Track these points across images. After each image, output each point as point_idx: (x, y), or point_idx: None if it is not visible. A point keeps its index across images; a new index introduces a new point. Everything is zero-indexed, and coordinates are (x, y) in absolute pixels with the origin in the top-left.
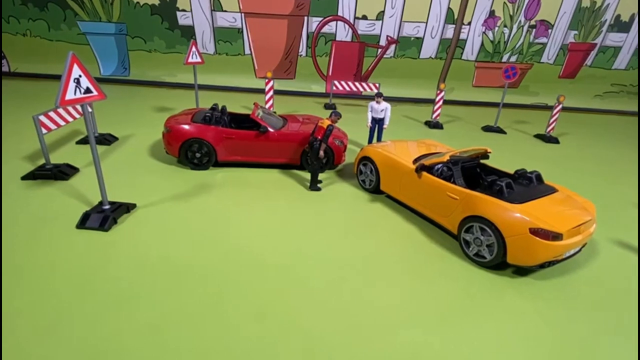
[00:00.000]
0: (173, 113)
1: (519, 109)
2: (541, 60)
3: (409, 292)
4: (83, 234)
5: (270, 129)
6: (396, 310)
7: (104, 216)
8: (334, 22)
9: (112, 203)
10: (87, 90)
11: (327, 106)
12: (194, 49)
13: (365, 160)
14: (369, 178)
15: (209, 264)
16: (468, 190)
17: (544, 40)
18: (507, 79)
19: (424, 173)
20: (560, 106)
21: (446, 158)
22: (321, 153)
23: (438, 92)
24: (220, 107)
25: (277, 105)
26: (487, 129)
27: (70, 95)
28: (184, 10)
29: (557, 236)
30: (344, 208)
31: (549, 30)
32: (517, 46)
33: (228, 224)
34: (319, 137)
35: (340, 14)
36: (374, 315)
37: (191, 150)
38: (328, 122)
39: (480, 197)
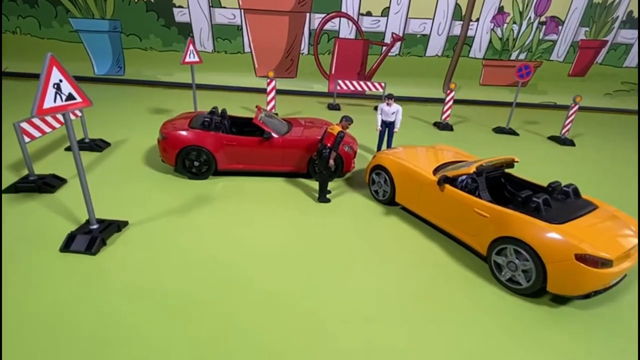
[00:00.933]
0: (170, 114)
1: (528, 108)
2: (550, 58)
3: (440, 329)
4: (67, 259)
5: (275, 135)
6: (428, 357)
7: (91, 238)
8: (337, 19)
9: (100, 221)
10: (70, 97)
11: (330, 106)
12: (191, 47)
13: (378, 169)
14: (383, 189)
15: (208, 297)
16: (500, 208)
17: (554, 37)
18: (521, 78)
19: (447, 186)
20: (577, 107)
21: (472, 169)
22: (331, 162)
23: (448, 92)
24: (220, 111)
25: (279, 106)
26: (498, 130)
27: (49, 103)
28: (180, 7)
29: (606, 263)
30: (356, 223)
31: (560, 27)
32: (526, 43)
33: (229, 246)
34: (329, 145)
35: (343, 10)
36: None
37: (189, 158)
38: (338, 129)
39: (515, 216)
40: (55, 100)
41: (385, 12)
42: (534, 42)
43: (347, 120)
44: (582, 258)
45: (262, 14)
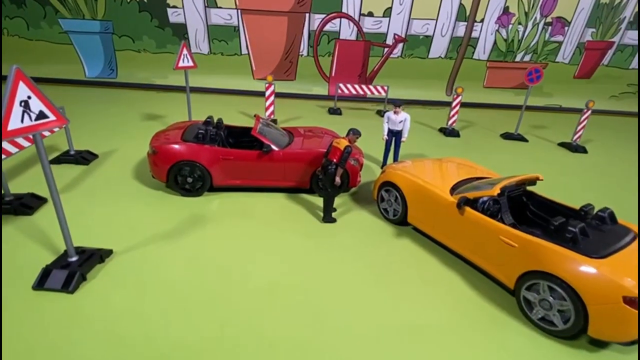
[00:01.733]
0: (163, 120)
1: (533, 111)
2: (556, 60)
3: None
4: (41, 298)
5: (275, 148)
6: None
7: (69, 273)
8: (338, 20)
9: (81, 251)
10: (41, 115)
11: (331, 111)
12: (185, 51)
13: (387, 185)
14: (393, 207)
15: (201, 343)
16: (531, 237)
17: (560, 38)
18: (530, 82)
19: (467, 208)
20: (589, 112)
21: (496, 191)
22: (337, 180)
23: (455, 96)
24: (215, 121)
25: (277, 111)
26: (507, 136)
27: (15, 123)
28: (175, 7)
29: None
30: (365, 247)
31: (566, 28)
32: (531, 45)
33: (225, 280)
34: (334, 160)
35: (344, 10)
36: None
37: (181, 174)
38: (345, 143)
39: (549, 248)
40: (22, 121)
41: (387, 13)
42: (539, 43)
43: (355, 134)
44: (632, 301)
45: (259, 14)
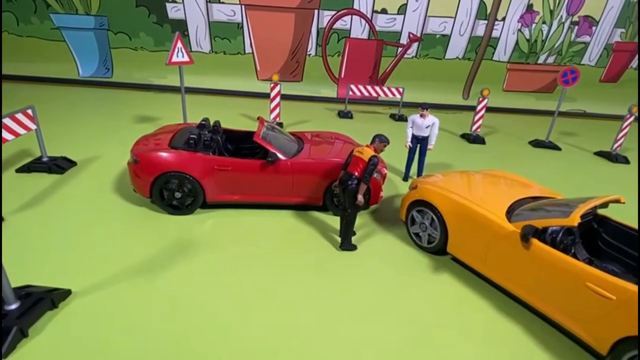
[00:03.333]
0: (158, 123)
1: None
2: (581, 62)
3: None
4: None
5: (281, 157)
6: None
7: (3, 328)
8: (349, 17)
9: (25, 295)
10: None
11: (341, 114)
12: (179, 44)
13: (420, 205)
14: (428, 232)
15: None
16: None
17: (586, 39)
18: (565, 84)
19: (535, 241)
20: (632, 118)
21: (576, 220)
22: (359, 198)
23: (480, 98)
24: (211, 124)
25: (283, 113)
26: (537, 143)
27: None
28: (174, 2)
29: None
30: (396, 286)
31: (593, 28)
32: (555, 45)
33: (215, 338)
34: (356, 174)
35: (356, 7)
36: None
37: (168, 188)
38: (370, 152)
39: None
40: None
41: (402, 10)
42: (564, 44)
43: (382, 142)
44: None
45: (265, 10)
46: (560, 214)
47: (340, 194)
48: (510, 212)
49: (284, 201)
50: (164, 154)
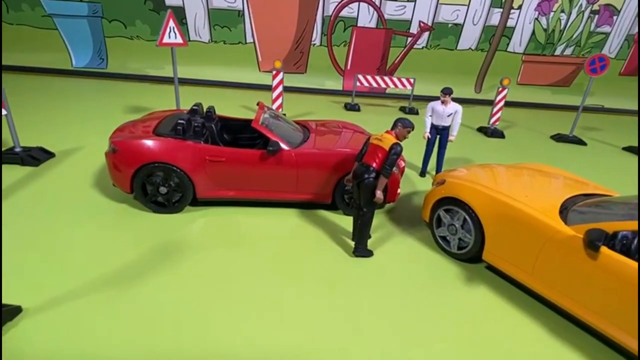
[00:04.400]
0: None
1: (571, 111)
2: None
3: None
4: None
5: (285, 146)
6: None
7: None
8: (356, 4)
9: None
10: None
11: (348, 106)
12: (171, 23)
13: (449, 203)
14: (459, 236)
15: None
16: None
17: (606, 29)
18: (593, 72)
19: (605, 250)
20: None
21: None
22: (379, 195)
23: (500, 89)
24: (204, 109)
25: (286, 106)
26: (559, 138)
27: None
28: None
29: None
30: (422, 302)
31: (614, 17)
32: (574, 36)
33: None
34: (374, 166)
35: None
36: None
37: (152, 182)
38: (392, 139)
39: None
40: None
41: None
42: (583, 34)
43: (405, 126)
44: None
45: None
46: (626, 214)
47: (354, 189)
48: (562, 212)
49: (287, 198)
50: (146, 142)
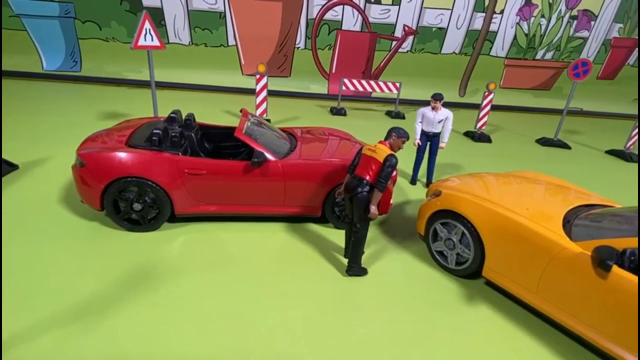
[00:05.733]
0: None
1: (552, 114)
2: (580, 58)
3: None
4: None
5: (270, 157)
6: None
7: None
8: (340, 7)
9: None
10: None
11: (334, 111)
12: (147, 25)
13: (446, 216)
14: (457, 252)
15: None
16: None
17: (585, 34)
18: (576, 77)
19: (617, 269)
20: None
21: None
22: (373, 210)
23: (487, 93)
24: (183, 117)
25: (271, 110)
26: (545, 142)
27: None
28: None
29: None
30: (426, 326)
31: (592, 22)
32: (554, 40)
33: None
34: (368, 178)
35: None
36: None
37: (124, 198)
38: (386, 150)
39: None
40: None
41: (397, 1)
42: (563, 39)
43: (400, 136)
44: None
45: None
46: (627, 229)
47: (347, 204)
48: (565, 226)
49: (273, 212)
50: (117, 155)
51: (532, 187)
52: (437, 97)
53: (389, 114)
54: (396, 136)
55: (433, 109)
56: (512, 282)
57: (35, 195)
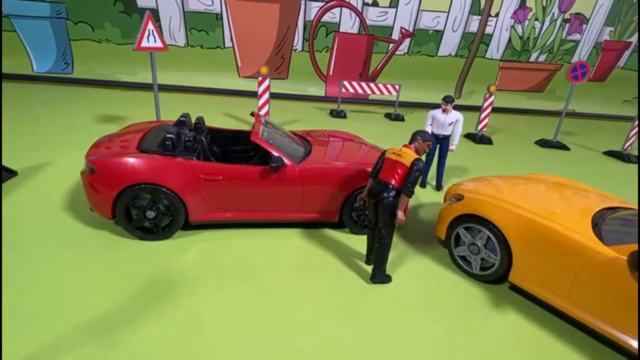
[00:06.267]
0: (127, 123)
1: (546, 116)
2: (571, 61)
3: None
4: None
5: (288, 162)
6: None
7: None
8: (338, 9)
9: None
10: None
11: (334, 113)
12: (150, 26)
13: (469, 221)
14: (482, 256)
15: None
16: None
17: (577, 37)
18: (575, 80)
19: None
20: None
21: None
22: (401, 215)
23: (487, 95)
24: (193, 121)
25: (272, 114)
26: (544, 143)
27: None
28: None
29: None
30: (457, 333)
31: (584, 26)
32: (547, 43)
33: None
34: (393, 183)
35: None
36: None
37: (137, 205)
38: (412, 154)
39: None
40: None
41: (395, 3)
42: (555, 42)
43: (425, 140)
44: None
45: (247, 0)
46: None
47: (370, 209)
48: (594, 230)
49: (290, 218)
50: (130, 160)
51: (553, 190)
52: (448, 99)
53: (388, 116)
54: (422, 140)
55: (444, 111)
56: (541, 287)
57: (37, 202)
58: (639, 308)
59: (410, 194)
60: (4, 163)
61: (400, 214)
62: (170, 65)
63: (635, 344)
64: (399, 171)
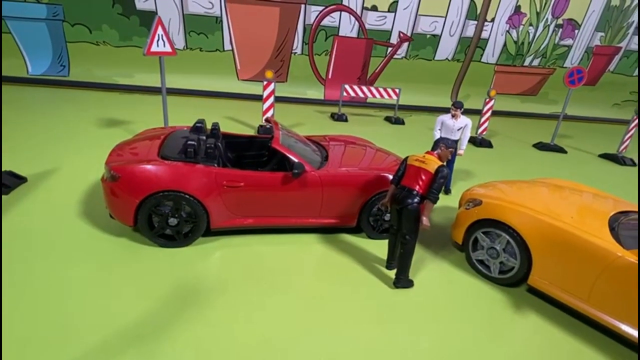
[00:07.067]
0: (128, 128)
1: (538, 119)
2: (564, 65)
3: None
4: None
5: (308, 168)
6: None
7: None
8: (338, 13)
9: None
10: None
11: (335, 116)
12: (160, 31)
13: (488, 225)
14: (501, 260)
15: None
16: None
17: (569, 42)
18: (572, 85)
19: None
20: (638, 120)
21: None
22: (425, 221)
23: (487, 100)
24: (209, 126)
25: (275, 118)
26: (542, 146)
27: None
28: None
29: None
30: (481, 335)
31: (576, 31)
32: (541, 48)
33: None
34: (417, 189)
35: (345, 3)
36: None
37: (159, 213)
38: (436, 161)
39: None
40: None
41: (393, 7)
42: (549, 46)
43: (448, 147)
44: None
45: (247, 3)
46: None
47: (393, 216)
48: (612, 234)
49: (309, 223)
50: (154, 167)
51: (567, 194)
52: (457, 105)
53: (388, 119)
54: (445, 147)
55: (453, 116)
56: (561, 290)
57: (51, 209)
58: (639, 307)
59: (435, 200)
60: (12, 169)
61: (425, 220)
62: (169, 68)
63: None
64: (424, 177)
